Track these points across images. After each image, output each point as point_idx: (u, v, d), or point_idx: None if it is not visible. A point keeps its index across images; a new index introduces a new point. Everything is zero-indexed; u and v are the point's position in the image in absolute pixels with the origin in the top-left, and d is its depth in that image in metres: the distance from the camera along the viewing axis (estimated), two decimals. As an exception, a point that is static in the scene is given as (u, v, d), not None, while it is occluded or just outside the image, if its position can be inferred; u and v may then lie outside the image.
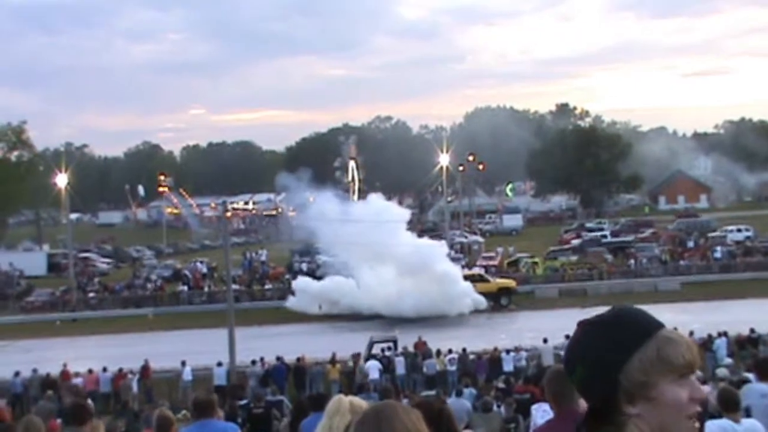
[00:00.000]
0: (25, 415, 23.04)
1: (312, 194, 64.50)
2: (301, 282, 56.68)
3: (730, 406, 7.98)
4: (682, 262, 62.59)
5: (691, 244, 70.11)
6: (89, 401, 25.40)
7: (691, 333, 33.75)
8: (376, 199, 61.04)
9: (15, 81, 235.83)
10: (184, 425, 9.99)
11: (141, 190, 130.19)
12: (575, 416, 4.86)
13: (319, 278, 57.42)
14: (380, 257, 51.76)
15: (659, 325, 2.16)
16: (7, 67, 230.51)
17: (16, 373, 35.46)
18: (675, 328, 2.31)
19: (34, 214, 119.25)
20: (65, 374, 36.02)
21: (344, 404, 4.01)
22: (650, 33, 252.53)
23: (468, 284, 52.10)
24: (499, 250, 71.32)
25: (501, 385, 27.41)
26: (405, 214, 58.83)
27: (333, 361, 35.61)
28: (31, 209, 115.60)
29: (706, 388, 18.44)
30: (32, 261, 79.82)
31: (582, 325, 2.24)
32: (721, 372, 25.25)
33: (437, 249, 54.99)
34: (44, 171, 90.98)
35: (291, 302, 54.92)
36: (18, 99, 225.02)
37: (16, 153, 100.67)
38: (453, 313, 50.11)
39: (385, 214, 55.16)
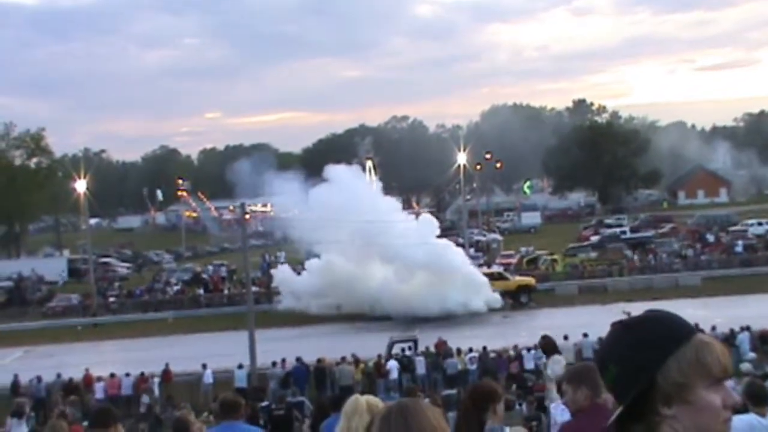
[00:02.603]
0: (48, 420, 23.17)
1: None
2: (281, 278, 56.37)
3: (757, 399, 7.88)
4: (702, 257, 62.28)
5: (711, 238, 69.71)
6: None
7: (714, 328, 33.69)
8: (336, 170, 57.61)
9: (33, 88, 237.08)
10: (207, 427, 9.99)
11: (159, 195, 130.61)
12: (602, 412, 4.84)
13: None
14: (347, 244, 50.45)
15: (695, 330, 2.17)
16: (25, 74, 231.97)
17: (39, 378, 35.68)
18: (696, 324, 2.28)
19: (53, 220, 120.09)
20: (87, 379, 36.22)
21: (361, 404, 4.00)
22: (667, 27, 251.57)
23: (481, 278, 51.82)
24: (523, 250, 70.40)
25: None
26: (368, 184, 57.13)
27: (357, 361, 35.63)
28: (50, 215, 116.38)
29: (730, 384, 18.35)
30: (53, 267, 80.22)
31: (616, 325, 2.24)
32: (745, 366, 25.09)
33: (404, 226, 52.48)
34: (63, 177, 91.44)
35: (285, 303, 54.48)
36: (36, 106, 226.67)
37: (35, 160, 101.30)
38: (436, 311, 49.21)
39: (352, 188, 53.91)
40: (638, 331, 2.15)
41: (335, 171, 56.88)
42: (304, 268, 56.98)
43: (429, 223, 55.56)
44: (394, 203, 58.76)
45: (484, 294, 50.96)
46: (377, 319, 49.51)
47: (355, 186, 54.95)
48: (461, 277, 50.76)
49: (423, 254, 49.25)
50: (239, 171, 68.53)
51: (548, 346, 15.14)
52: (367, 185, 57.11)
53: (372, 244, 49.68)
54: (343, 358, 35.63)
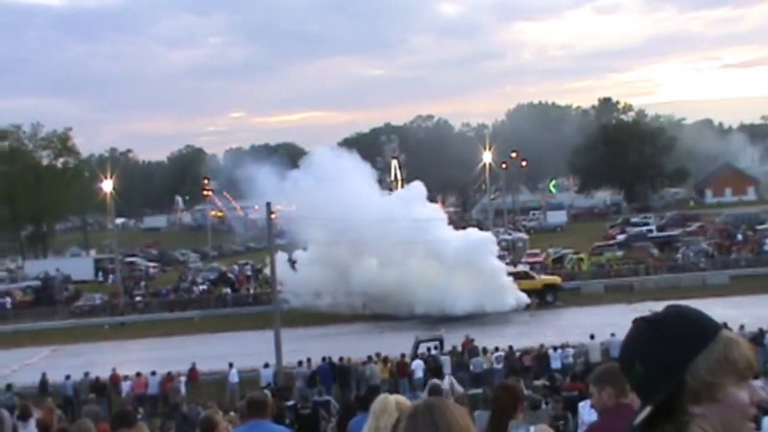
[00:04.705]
0: (76, 418, 23.32)
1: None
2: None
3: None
4: (730, 256, 61.84)
5: (739, 237, 69.21)
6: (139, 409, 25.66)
7: (742, 327, 33.40)
8: (322, 153, 56.23)
9: (60, 89, 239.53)
10: (233, 427, 10.00)
11: (179, 202, 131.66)
12: (628, 411, 4.80)
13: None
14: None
15: (720, 326, 2.12)
16: (52, 75, 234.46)
17: (67, 377, 35.94)
18: (725, 323, 2.23)
19: (80, 219, 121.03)
20: (114, 378, 36.43)
21: (390, 403, 3.99)
22: (694, 24, 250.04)
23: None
24: (551, 251, 69.75)
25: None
26: (349, 165, 54.63)
27: (384, 360, 35.62)
28: (77, 215, 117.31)
29: (759, 383, 18.18)
30: (80, 266, 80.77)
31: (639, 322, 2.19)
32: (773, 366, 24.86)
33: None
34: (90, 177, 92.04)
35: (294, 303, 53.25)
36: (63, 106, 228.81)
37: (62, 160, 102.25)
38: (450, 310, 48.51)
39: (330, 173, 51.92)
40: (664, 328, 2.10)
41: (315, 156, 56.35)
42: (295, 262, 55.99)
43: (416, 191, 54.73)
44: (373, 183, 56.46)
45: (486, 282, 49.68)
46: (404, 319, 49.40)
47: (333, 170, 53.01)
48: (454, 257, 49.22)
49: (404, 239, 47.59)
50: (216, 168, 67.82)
51: (432, 370, 15.01)
52: (347, 166, 54.51)
53: (353, 240, 48.38)
54: (370, 357, 35.65)
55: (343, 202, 48.80)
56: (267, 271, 57.71)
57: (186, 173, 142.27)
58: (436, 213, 54.44)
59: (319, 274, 52.39)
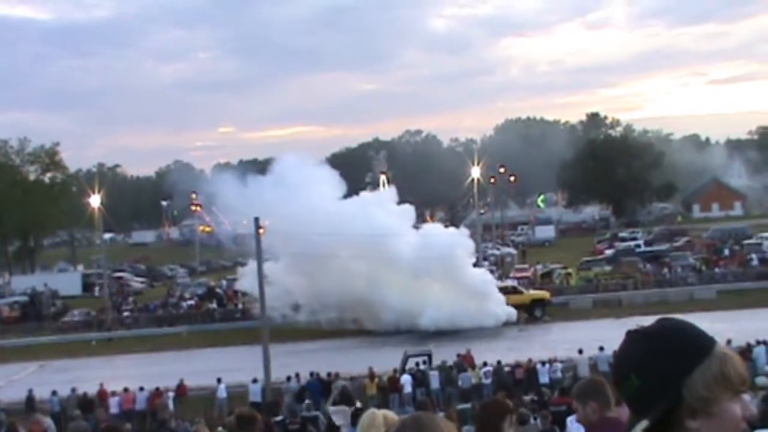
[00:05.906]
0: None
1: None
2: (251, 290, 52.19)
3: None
4: (717, 270, 61.97)
5: (726, 251, 69.40)
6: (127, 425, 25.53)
7: (729, 342, 33.44)
8: (285, 160, 55.61)
9: (47, 103, 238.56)
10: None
11: (164, 203, 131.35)
12: (613, 425, 4.81)
13: None
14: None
15: (715, 341, 2.13)
16: (40, 89, 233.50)
17: (54, 393, 35.74)
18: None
19: (68, 234, 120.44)
20: (102, 393, 36.25)
21: (378, 418, 4.01)
22: (681, 40, 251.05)
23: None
24: (539, 267, 69.53)
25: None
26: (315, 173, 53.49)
27: (371, 376, 35.53)
28: (65, 230, 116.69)
29: (746, 398, 18.20)
30: (67, 281, 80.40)
31: (634, 334, 2.18)
32: (761, 381, 24.92)
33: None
34: (77, 192, 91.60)
35: (273, 316, 51.07)
36: (51, 121, 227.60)
37: (49, 175, 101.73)
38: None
39: (303, 177, 51.29)
40: (661, 341, 2.10)
41: (280, 164, 55.65)
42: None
43: (384, 193, 54.60)
44: (339, 192, 54.44)
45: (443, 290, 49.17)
46: (393, 334, 49.20)
47: (298, 178, 52.14)
48: (417, 264, 48.60)
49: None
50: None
51: (344, 397, 15.11)
52: (312, 175, 53.55)
53: (316, 252, 47.13)
54: (337, 375, 35.51)
55: (307, 211, 48.47)
56: (237, 285, 57.67)
57: (173, 188, 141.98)
58: (404, 216, 53.61)
59: (292, 287, 51.75)
